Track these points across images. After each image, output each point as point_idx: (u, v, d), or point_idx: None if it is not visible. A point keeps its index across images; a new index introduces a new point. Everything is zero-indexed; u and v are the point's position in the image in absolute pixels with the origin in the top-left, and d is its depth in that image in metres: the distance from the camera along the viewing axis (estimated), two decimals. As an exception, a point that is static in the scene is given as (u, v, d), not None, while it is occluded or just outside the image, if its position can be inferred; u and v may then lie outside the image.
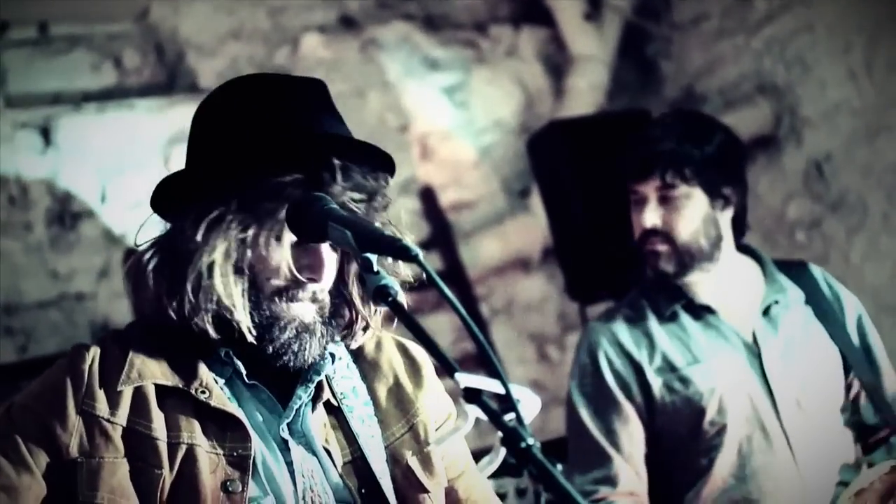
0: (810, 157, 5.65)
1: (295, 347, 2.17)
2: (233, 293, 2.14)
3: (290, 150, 2.17)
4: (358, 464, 2.22)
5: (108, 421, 2.11)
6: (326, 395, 2.26)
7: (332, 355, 2.27)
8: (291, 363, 2.18)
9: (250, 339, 2.15)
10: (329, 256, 2.19)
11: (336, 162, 2.15)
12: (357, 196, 2.17)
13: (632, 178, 3.57)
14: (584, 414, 3.53)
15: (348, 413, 2.27)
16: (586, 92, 6.25)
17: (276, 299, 2.17)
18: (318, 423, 2.24)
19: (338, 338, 2.30)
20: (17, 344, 5.12)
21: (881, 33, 5.28)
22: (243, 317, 2.15)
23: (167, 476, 2.09)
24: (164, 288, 2.18)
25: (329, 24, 6.05)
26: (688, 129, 3.59)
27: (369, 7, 6.22)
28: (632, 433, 3.49)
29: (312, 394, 2.24)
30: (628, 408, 3.49)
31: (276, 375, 2.23)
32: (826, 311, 3.58)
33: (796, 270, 3.69)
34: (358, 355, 2.37)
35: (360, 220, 2.05)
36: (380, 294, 1.91)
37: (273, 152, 2.16)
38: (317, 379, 2.23)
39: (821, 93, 5.58)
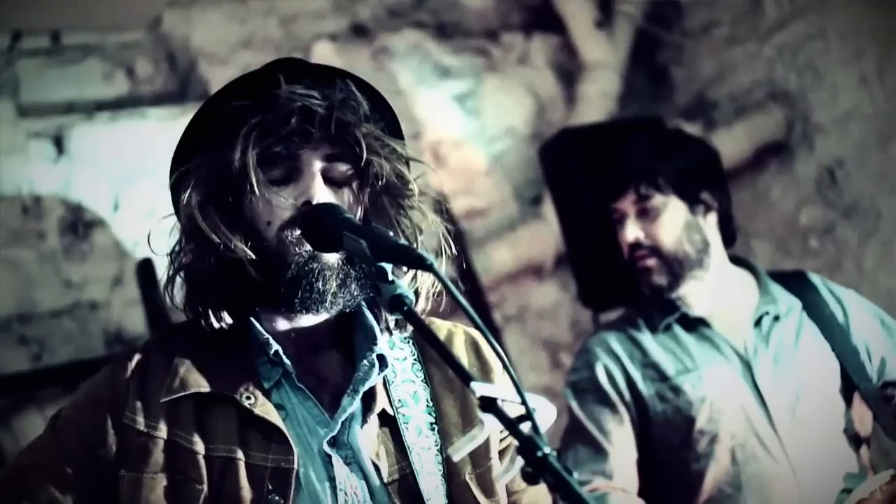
0: (822, 164, 5.65)
1: (309, 275, 2.13)
2: (218, 227, 2.15)
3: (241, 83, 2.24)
4: (408, 481, 2.16)
5: (148, 435, 2.11)
6: (381, 404, 2.21)
7: (383, 359, 2.22)
8: (309, 295, 2.13)
9: (250, 256, 2.14)
10: (314, 177, 2.18)
11: (280, 75, 2.19)
12: (315, 95, 2.17)
13: (609, 198, 3.62)
14: (581, 414, 3.56)
15: (403, 424, 2.20)
16: (598, 99, 6.24)
17: (284, 243, 2.15)
18: (370, 434, 2.19)
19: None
20: (31, 353, 5.13)
21: (893, 40, 5.28)
22: (235, 241, 2.15)
23: (207, 491, 2.08)
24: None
25: (340, 33, 6.06)
26: (658, 145, 3.64)
27: (381, 15, 6.22)
28: (626, 436, 3.52)
29: (360, 404, 2.19)
30: (623, 411, 3.53)
31: (326, 383, 2.21)
32: (826, 319, 3.59)
33: (795, 280, 3.71)
34: (425, 355, 2.31)
35: (374, 230, 2.05)
36: (395, 303, 1.90)
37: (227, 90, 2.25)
38: (362, 389, 2.18)
39: (833, 99, 5.57)
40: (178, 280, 2.24)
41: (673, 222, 3.55)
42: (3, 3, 5.09)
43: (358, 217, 2.21)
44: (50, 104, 5.45)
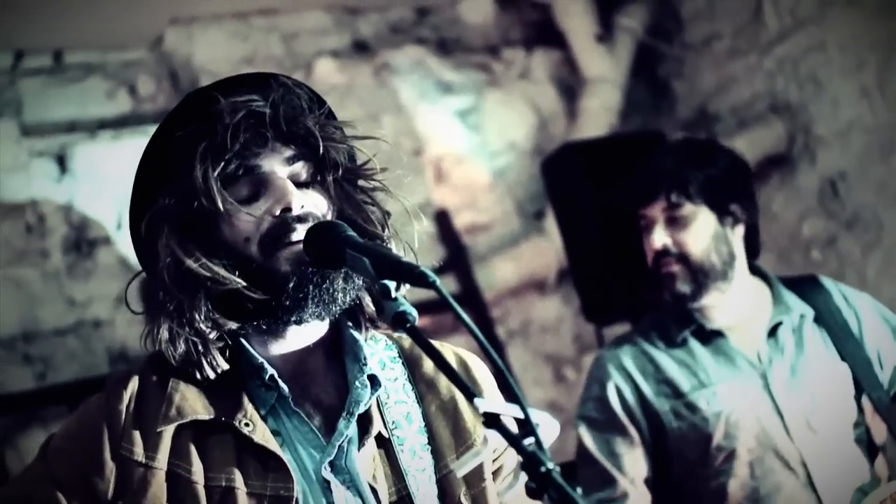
0: (824, 176, 5.65)
1: (314, 278, 2.08)
2: (206, 264, 2.11)
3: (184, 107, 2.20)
4: (405, 503, 2.12)
5: (147, 466, 2.06)
6: (377, 427, 2.17)
7: (375, 380, 2.18)
8: (320, 297, 2.09)
9: (238, 283, 2.09)
10: (286, 183, 2.14)
11: (219, 97, 2.14)
12: (256, 98, 2.13)
13: (638, 204, 3.60)
14: (588, 440, 3.56)
15: (398, 446, 2.17)
16: (599, 113, 6.25)
17: (270, 255, 2.11)
18: (366, 457, 2.15)
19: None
20: (36, 371, 5.13)
21: (893, 51, 5.28)
22: (226, 272, 2.10)
23: None
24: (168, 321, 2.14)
25: (342, 49, 6.08)
26: (690, 153, 3.63)
27: (382, 32, 6.24)
28: (636, 457, 3.51)
29: (356, 428, 2.15)
30: (634, 433, 3.52)
31: (320, 406, 2.18)
32: (839, 327, 3.58)
33: (808, 286, 3.69)
34: (415, 374, 2.28)
35: (377, 247, 2.03)
36: (398, 320, 1.88)
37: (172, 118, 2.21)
38: (356, 411, 2.14)
39: (834, 111, 5.58)
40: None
41: (702, 232, 3.53)
42: (6, 22, 5.11)
43: (333, 212, 2.19)
44: (53, 123, 5.46)
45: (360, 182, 2.24)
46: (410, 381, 2.28)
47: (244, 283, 2.11)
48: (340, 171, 2.21)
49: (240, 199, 2.14)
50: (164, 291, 2.14)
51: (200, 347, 2.13)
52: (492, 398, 2.27)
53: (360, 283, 2.16)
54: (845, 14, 5.47)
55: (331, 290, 2.10)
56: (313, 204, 2.16)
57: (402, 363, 2.30)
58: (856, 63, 5.44)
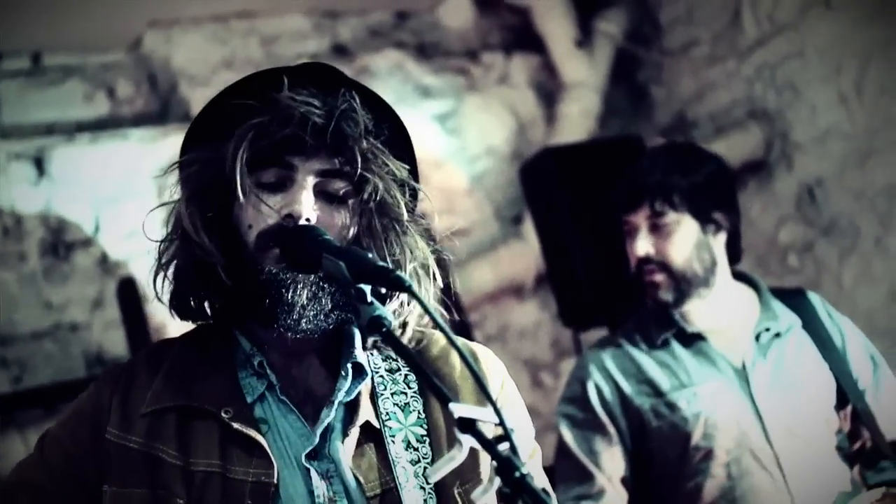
0: (802, 182, 5.67)
1: (280, 285, 2.09)
2: (197, 224, 2.15)
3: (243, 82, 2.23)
4: (392, 495, 2.11)
5: (130, 449, 2.10)
6: (364, 416, 2.17)
7: (360, 369, 2.19)
8: (277, 306, 2.09)
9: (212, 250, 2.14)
10: (303, 190, 2.14)
11: (284, 78, 2.17)
12: (315, 104, 2.13)
13: (622, 210, 3.62)
14: (569, 436, 3.57)
15: (388, 437, 2.16)
16: (578, 118, 6.25)
17: (262, 250, 2.12)
18: (352, 447, 2.15)
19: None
20: (12, 375, 5.11)
21: (871, 57, 5.30)
22: (209, 244, 2.14)
23: None
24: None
25: (321, 53, 6.06)
26: (675, 159, 3.65)
27: (361, 35, 6.24)
28: (614, 456, 3.52)
29: (342, 416, 2.17)
30: (613, 432, 3.53)
31: (312, 395, 2.19)
32: (823, 338, 3.59)
33: (794, 298, 3.71)
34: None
35: (354, 252, 2.03)
36: (373, 325, 1.89)
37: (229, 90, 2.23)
38: (337, 400, 2.15)
39: (812, 117, 5.60)
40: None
41: (684, 241, 3.55)
42: (-17, 24, 5.10)
43: (350, 236, 2.19)
44: (31, 125, 5.45)
45: (391, 222, 2.23)
46: (413, 373, 2.26)
47: (223, 262, 2.14)
48: (373, 204, 2.19)
49: (263, 185, 2.16)
50: (169, 237, 2.22)
51: (188, 294, 2.21)
52: (500, 392, 2.32)
53: (330, 307, 2.14)
54: (824, 20, 5.49)
55: (290, 303, 2.11)
56: (324, 220, 2.15)
57: None
58: (834, 69, 5.46)
